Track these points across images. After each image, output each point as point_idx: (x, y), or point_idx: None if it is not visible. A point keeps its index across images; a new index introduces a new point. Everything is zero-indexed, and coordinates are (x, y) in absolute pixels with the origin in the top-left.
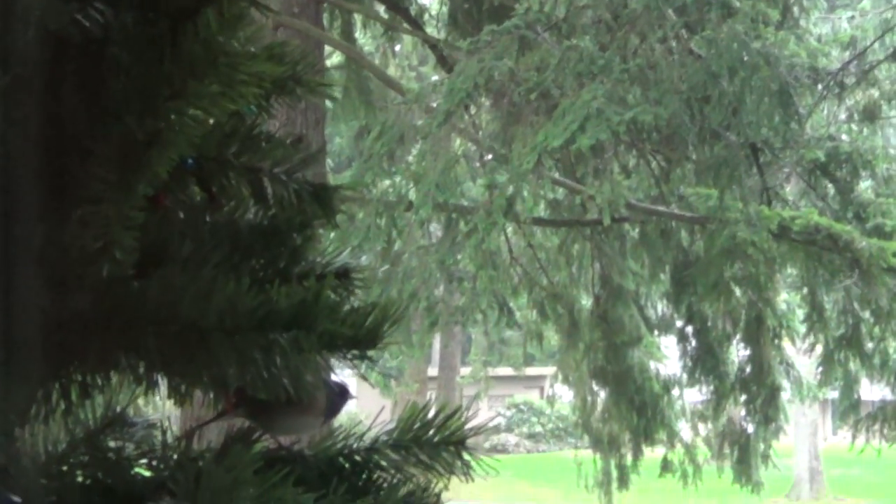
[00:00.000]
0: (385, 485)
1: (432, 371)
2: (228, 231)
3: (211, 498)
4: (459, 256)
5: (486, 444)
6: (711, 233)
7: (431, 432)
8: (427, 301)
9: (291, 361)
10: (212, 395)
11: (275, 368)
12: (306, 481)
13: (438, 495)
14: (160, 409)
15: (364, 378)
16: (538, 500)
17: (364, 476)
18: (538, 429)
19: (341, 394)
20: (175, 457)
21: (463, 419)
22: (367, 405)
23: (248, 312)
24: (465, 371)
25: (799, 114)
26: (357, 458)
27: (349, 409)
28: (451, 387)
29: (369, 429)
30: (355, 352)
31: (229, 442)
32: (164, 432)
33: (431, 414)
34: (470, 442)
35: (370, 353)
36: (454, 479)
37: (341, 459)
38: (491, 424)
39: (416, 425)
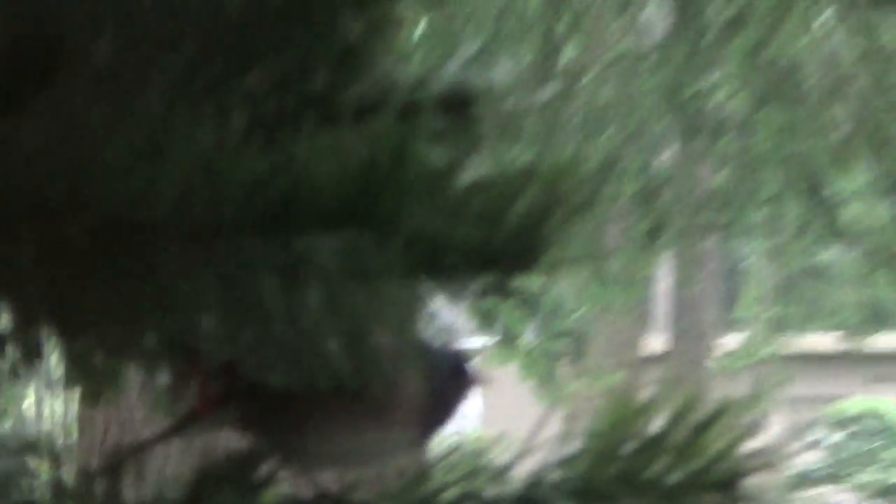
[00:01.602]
0: None
1: (655, 342)
2: (198, 10)
3: None
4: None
5: None
6: None
7: (664, 462)
8: (645, 175)
9: (346, 298)
10: (163, 379)
11: (305, 316)
12: None
13: None
14: (48, 409)
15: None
16: None
17: None
18: None
19: (455, 374)
20: None
21: (738, 434)
22: (503, 412)
23: (244, 189)
24: (731, 343)
25: None
26: None
27: (469, 421)
28: (699, 373)
29: (520, 455)
30: (488, 278)
31: (204, 483)
32: (55, 459)
33: (660, 422)
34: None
35: (517, 281)
36: None
37: None
38: (792, 450)
39: (628, 445)
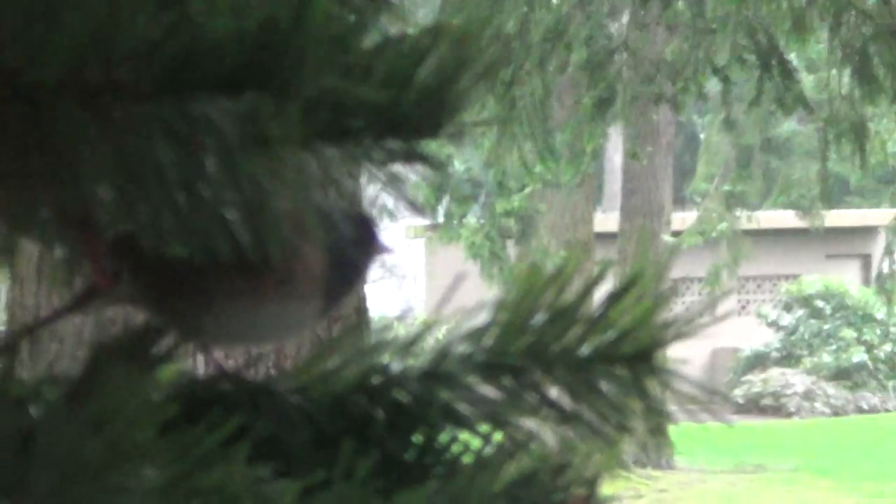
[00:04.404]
0: (465, 458)
1: (606, 220)
2: None
3: (54, 492)
4: None
5: (740, 398)
6: None
7: (574, 334)
8: (595, 42)
9: (244, 165)
10: (60, 253)
11: (203, 183)
12: (280, 450)
13: (594, 483)
14: None
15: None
16: None
17: (418, 439)
18: (858, 357)
19: (361, 241)
20: None
21: (651, 305)
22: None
23: (138, 50)
24: (683, 218)
25: None
26: (402, 396)
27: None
28: (652, 251)
29: (429, 329)
30: (393, 143)
31: (103, 359)
32: None
33: (575, 287)
34: (698, 379)
35: (428, 146)
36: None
37: (362, 399)
38: (707, 321)
39: (538, 317)
